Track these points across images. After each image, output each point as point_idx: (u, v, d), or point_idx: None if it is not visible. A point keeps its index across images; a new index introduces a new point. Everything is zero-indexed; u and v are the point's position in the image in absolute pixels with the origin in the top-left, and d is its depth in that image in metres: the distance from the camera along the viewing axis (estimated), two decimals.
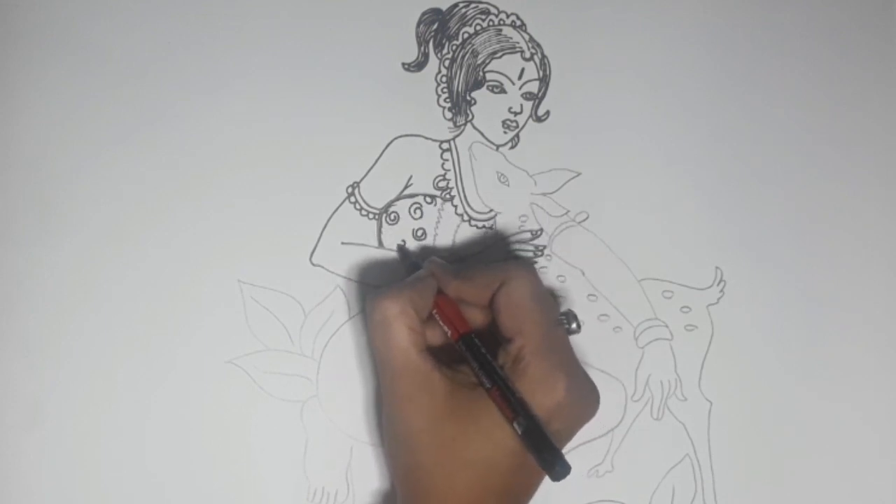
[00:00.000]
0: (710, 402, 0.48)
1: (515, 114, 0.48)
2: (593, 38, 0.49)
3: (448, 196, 0.48)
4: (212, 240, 0.46)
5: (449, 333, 0.43)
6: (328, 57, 0.47)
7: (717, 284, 0.49)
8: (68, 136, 0.46)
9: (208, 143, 0.47)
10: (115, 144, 0.46)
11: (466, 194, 0.48)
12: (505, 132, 0.48)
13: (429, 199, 0.48)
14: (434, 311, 0.43)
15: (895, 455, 0.49)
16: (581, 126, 0.49)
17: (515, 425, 0.39)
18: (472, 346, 0.42)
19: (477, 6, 0.48)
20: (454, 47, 0.48)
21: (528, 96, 0.48)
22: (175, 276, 0.46)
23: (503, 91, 0.48)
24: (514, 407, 0.40)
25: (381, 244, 0.47)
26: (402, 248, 0.47)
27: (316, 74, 0.47)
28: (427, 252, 0.47)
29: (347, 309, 0.47)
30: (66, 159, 0.46)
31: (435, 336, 0.43)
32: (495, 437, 0.40)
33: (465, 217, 0.48)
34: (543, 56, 0.48)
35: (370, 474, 0.47)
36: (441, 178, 0.48)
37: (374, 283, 0.47)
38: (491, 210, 0.48)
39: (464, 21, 0.48)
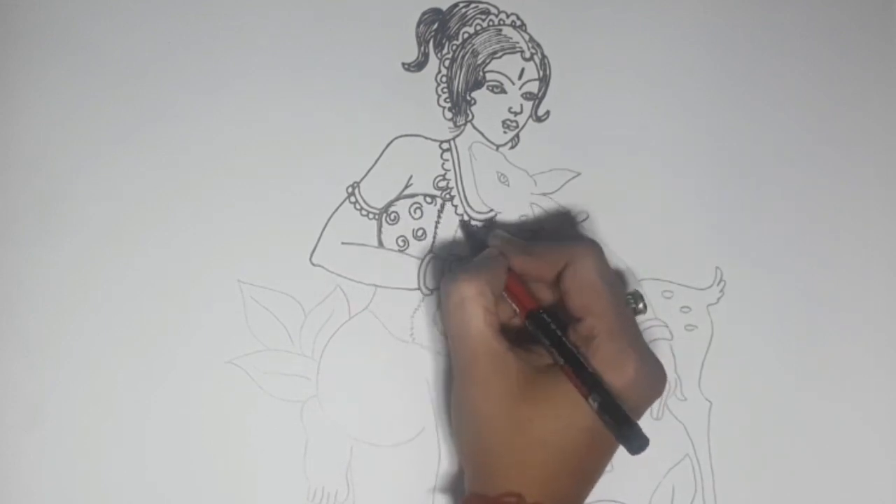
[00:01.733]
0: (710, 402, 0.48)
1: (515, 114, 0.48)
2: (593, 38, 0.49)
3: (448, 196, 0.48)
4: (212, 240, 0.46)
5: (518, 311, 0.43)
6: (328, 57, 0.47)
7: (717, 284, 0.49)
8: (68, 136, 0.46)
9: (208, 143, 0.47)
10: (115, 144, 0.46)
11: (466, 194, 0.48)
12: (505, 132, 0.48)
13: (429, 199, 0.48)
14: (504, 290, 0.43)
15: (895, 455, 0.49)
16: (581, 126, 0.49)
17: (590, 400, 0.39)
18: (541, 322, 0.42)
19: (477, 6, 0.48)
20: (454, 47, 0.48)
21: (528, 96, 0.48)
22: (175, 276, 0.46)
23: (503, 91, 0.48)
24: (588, 382, 0.40)
25: (381, 244, 0.47)
26: (465, 225, 0.47)
27: (316, 74, 0.47)
28: (422, 247, 0.47)
29: (347, 309, 0.47)
30: (66, 159, 0.46)
31: (506, 315, 0.44)
32: (569, 416, 0.40)
33: (466, 217, 0.48)
34: (543, 56, 0.48)
35: (370, 474, 0.46)
36: (441, 178, 0.48)
37: (374, 284, 0.47)
38: (491, 210, 0.48)
39: (464, 21, 0.48)
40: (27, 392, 0.45)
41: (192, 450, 0.46)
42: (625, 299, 0.43)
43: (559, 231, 0.48)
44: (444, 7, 0.48)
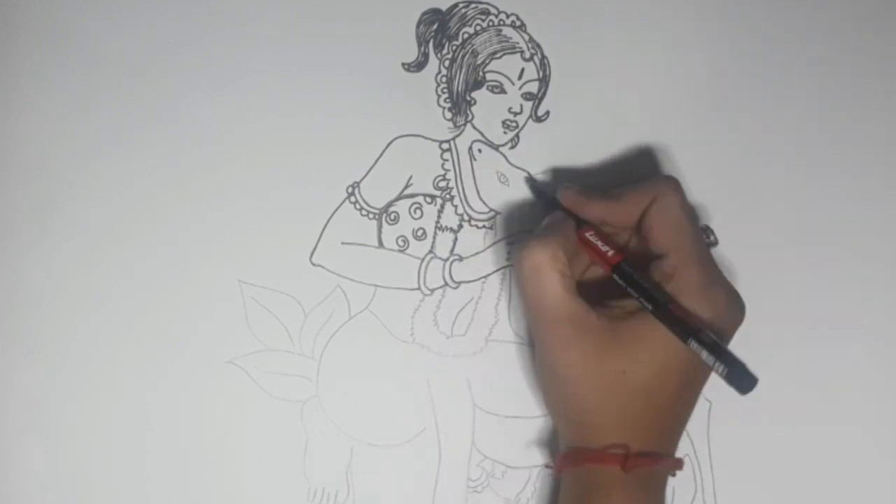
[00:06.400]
0: (709, 402, 0.48)
1: (515, 114, 0.48)
2: (593, 39, 0.49)
3: (448, 196, 0.48)
4: (212, 240, 0.46)
5: (602, 266, 0.43)
6: (328, 57, 0.47)
7: None
8: (68, 136, 0.46)
9: (208, 142, 0.47)
10: (116, 144, 0.46)
11: (466, 194, 0.48)
12: (505, 132, 0.48)
13: (429, 199, 0.48)
14: (580, 248, 0.43)
15: (895, 455, 0.49)
16: (581, 126, 0.49)
17: (690, 344, 0.39)
18: (626, 273, 0.41)
19: (477, 6, 0.48)
20: (454, 47, 0.48)
21: (527, 96, 0.48)
22: (175, 276, 0.46)
23: (503, 91, 0.48)
24: (687, 328, 0.39)
25: (381, 244, 0.47)
26: (531, 180, 0.47)
27: (316, 74, 0.47)
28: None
29: (347, 309, 0.47)
30: (66, 159, 0.46)
31: (579, 270, 0.44)
32: (662, 359, 0.41)
33: (465, 217, 0.48)
34: (543, 56, 0.48)
35: (370, 474, 0.47)
36: (441, 178, 0.48)
37: (374, 284, 0.47)
38: (491, 210, 0.48)
39: (464, 21, 0.48)
40: (27, 392, 0.45)
41: (191, 450, 0.46)
42: (702, 233, 0.44)
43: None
44: (444, 7, 0.48)
